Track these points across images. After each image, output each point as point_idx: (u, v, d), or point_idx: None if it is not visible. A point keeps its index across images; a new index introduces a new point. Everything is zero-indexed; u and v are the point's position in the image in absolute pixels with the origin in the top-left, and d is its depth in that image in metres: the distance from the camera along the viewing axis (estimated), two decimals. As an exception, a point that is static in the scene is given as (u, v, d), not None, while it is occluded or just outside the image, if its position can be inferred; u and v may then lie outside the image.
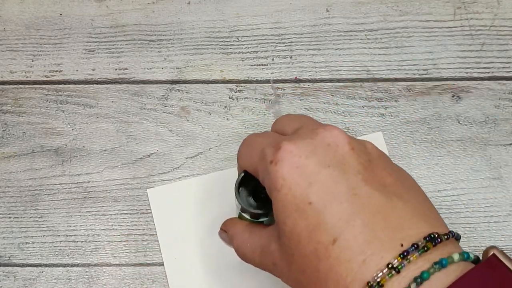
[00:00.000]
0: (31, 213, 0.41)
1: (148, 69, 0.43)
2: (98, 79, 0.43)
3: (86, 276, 0.39)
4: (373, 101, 0.41)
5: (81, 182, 0.41)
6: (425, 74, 0.42)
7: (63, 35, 0.44)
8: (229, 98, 0.42)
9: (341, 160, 0.26)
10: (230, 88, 0.42)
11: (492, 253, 0.24)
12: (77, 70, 0.43)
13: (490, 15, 0.42)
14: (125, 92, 0.42)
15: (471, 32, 0.42)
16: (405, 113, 0.41)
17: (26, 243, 0.40)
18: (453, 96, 0.41)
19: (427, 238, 0.24)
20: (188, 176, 0.40)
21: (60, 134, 0.42)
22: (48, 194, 0.41)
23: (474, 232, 0.39)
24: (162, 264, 0.39)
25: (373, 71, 0.42)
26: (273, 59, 0.42)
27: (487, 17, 0.42)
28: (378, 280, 0.23)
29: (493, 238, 0.39)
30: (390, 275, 0.23)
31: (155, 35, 0.43)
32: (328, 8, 0.43)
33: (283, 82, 0.42)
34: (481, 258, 0.25)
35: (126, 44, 0.43)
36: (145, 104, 0.42)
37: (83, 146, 0.42)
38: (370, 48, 0.42)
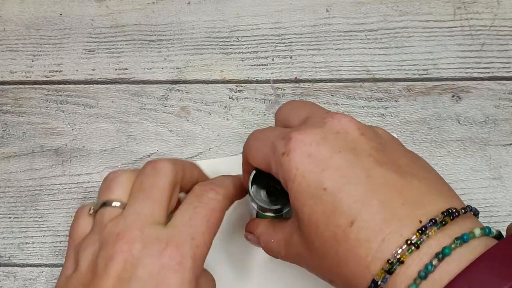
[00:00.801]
0: (31, 213, 0.41)
1: (148, 69, 0.43)
2: (98, 79, 0.43)
3: (86, 276, 0.39)
4: (373, 101, 0.41)
5: (81, 182, 0.41)
6: (425, 74, 0.42)
7: (63, 35, 0.44)
8: (229, 98, 0.42)
9: (352, 145, 0.26)
10: (230, 88, 0.42)
11: None
12: (77, 70, 0.43)
13: (490, 15, 0.42)
14: (125, 92, 0.42)
15: (471, 32, 0.42)
16: (405, 113, 0.41)
17: (26, 243, 0.40)
18: (453, 96, 0.41)
19: (445, 213, 0.24)
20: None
21: (60, 134, 0.42)
22: (48, 194, 0.41)
23: (474, 232, 0.39)
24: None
25: (373, 71, 0.42)
26: (273, 59, 0.42)
27: (487, 17, 0.42)
28: (398, 256, 0.23)
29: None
30: (410, 251, 0.23)
31: (155, 35, 0.43)
32: (328, 8, 0.43)
33: (283, 82, 0.42)
34: (504, 234, 0.25)
35: (126, 44, 0.43)
36: (145, 104, 0.42)
37: (83, 146, 0.42)
38: (370, 48, 0.42)
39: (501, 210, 0.39)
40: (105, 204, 0.29)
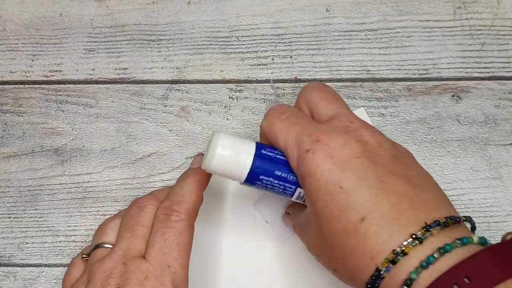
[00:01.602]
0: (31, 213, 0.41)
1: (148, 69, 0.43)
2: (98, 79, 0.43)
3: (86, 276, 0.39)
4: (373, 101, 0.41)
5: (81, 182, 0.41)
6: (425, 74, 0.42)
7: (63, 35, 0.44)
8: (229, 98, 0.42)
9: (370, 154, 0.29)
10: (230, 88, 0.42)
11: (511, 237, 0.27)
12: (77, 70, 0.43)
13: (490, 15, 0.42)
14: (125, 92, 0.42)
15: (471, 32, 0.42)
16: (405, 113, 0.41)
17: (26, 243, 0.40)
18: (453, 96, 0.41)
19: (448, 218, 0.27)
20: (188, 176, 0.40)
21: (60, 134, 0.42)
22: (48, 194, 0.41)
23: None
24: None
25: (373, 71, 0.42)
26: (273, 59, 0.42)
27: (487, 17, 0.42)
28: (403, 248, 0.26)
29: (493, 238, 0.39)
30: (414, 244, 0.26)
31: (155, 35, 0.43)
32: (328, 8, 0.43)
33: (283, 82, 0.42)
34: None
35: (126, 44, 0.43)
36: (145, 104, 0.42)
37: (83, 146, 0.42)
38: (370, 48, 0.42)
39: (501, 210, 0.39)
40: (97, 246, 0.32)
